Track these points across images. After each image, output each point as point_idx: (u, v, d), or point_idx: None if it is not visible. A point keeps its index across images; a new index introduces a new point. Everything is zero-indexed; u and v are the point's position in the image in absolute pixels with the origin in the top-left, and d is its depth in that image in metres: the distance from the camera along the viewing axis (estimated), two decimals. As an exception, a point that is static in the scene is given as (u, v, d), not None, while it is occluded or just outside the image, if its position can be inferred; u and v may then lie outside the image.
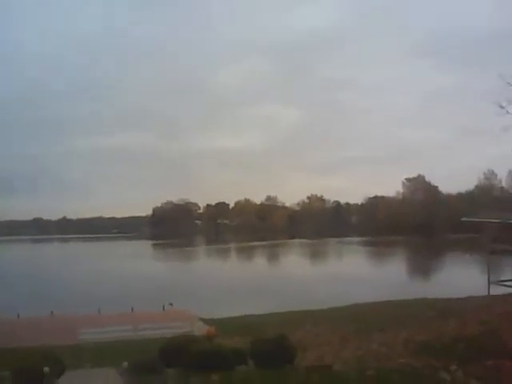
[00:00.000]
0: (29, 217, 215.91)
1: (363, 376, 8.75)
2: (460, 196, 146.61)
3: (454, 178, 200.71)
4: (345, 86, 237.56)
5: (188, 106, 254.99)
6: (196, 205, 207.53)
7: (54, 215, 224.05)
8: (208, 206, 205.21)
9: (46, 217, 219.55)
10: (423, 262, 68.80)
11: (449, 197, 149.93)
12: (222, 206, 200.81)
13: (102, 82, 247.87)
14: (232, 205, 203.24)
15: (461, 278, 41.99)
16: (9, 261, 63.41)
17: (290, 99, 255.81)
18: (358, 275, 46.13)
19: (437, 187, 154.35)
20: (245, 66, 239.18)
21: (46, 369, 9.92)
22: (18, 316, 25.70)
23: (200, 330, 20.05)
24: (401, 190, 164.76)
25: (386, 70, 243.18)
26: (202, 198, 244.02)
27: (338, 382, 8.34)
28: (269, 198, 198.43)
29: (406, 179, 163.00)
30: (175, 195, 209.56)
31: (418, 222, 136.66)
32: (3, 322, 25.04)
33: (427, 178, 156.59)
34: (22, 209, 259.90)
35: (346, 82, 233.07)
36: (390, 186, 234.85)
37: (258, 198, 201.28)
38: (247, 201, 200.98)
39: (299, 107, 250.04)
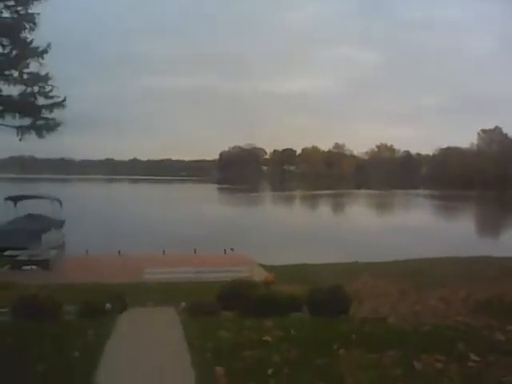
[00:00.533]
0: (101, 157, 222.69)
1: (418, 331, 8.68)
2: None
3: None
4: (425, 28, 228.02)
5: (259, 44, 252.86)
6: (263, 150, 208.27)
7: (125, 156, 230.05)
8: (275, 151, 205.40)
9: (117, 157, 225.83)
10: (493, 218, 66.71)
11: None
12: (288, 153, 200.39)
13: (172, 21, 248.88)
14: (299, 151, 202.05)
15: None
16: (80, 199, 65.98)
17: (367, 41, 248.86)
18: (423, 229, 45.39)
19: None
20: (321, 4, 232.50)
21: (108, 305, 10.50)
22: (87, 252, 26.90)
23: (259, 275, 20.45)
24: (475, 141, 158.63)
25: (468, 12, 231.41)
26: (269, 143, 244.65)
27: (392, 334, 8.31)
28: (337, 146, 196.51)
29: (481, 130, 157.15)
30: (243, 139, 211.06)
31: (492, 175, 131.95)
32: (72, 258, 26.40)
33: (504, 130, 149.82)
34: (95, 148, 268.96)
35: (426, 24, 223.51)
36: (465, 137, 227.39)
37: (326, 146, 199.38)
38: (314, 148, 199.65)
39: (376, 50, 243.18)
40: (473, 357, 6.85)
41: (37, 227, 28.01)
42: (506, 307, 12.00)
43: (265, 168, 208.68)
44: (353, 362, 6.76)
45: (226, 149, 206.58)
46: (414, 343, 7.51)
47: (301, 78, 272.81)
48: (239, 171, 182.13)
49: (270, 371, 6.16)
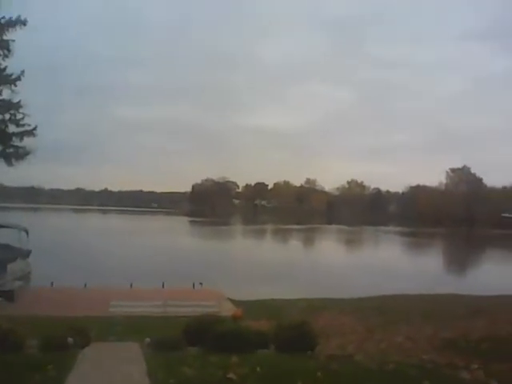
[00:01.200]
0: (72, 186, 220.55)
1: (383, 369, 8.70)
2: (504, 190, 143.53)
3: (501, 170, 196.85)
4: (396, 66, 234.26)
5: (233, 79, 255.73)
6: (235, 184, 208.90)
7: (96, 186, 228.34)
8: (247, 185, 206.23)
9: (87, 187, 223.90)
10: (460, 256, 67.71)
11: (492, 190, 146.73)
12: (260, 187, 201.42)
13: (149, 53, 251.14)
14: (271, 186, 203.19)
15: (496, 275, 41.24)
16: (49, 229, 64.97)
17: (340, 78, 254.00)
18: (391, 266, 45.72)
19: (481, 179, 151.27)
20: (294, 42, 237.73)
21: (70, 339, 10.27)
22: (52, 285, 26.38)
23: (227, 310, 20.28)
24: (444, 180, 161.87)
25: (439, 52, 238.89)
26: (242, 177, 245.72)
27: (358, 372, 8.31)
28: (308, 181, 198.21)
29: (450, 169, 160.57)
30: (215, 173, 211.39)
31: (459, 214, 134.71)
32: (37, 290, 25.81)
33: (473, 170, 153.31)
34: (66, 178, 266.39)
35: (397, 62, 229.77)
36: (433, 176, 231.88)
37: (298, 181, 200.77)
38: (286, 183, 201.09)
39: (348, 87, 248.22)
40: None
41: (2, 257, 27.39)
42: (472, 345, 12.12)
43: (236, 202, 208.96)
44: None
45: (199, 181, 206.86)
46: (379, 381, 7.51)
47: (274, 113, 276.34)
48: (211, 204, 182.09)
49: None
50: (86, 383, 7.58)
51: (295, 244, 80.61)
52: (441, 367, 9.19)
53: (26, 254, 31.41)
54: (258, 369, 8.10)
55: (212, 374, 7.79)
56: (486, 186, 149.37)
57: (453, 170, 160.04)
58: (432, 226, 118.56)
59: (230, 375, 7.65)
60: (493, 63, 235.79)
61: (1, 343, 9.20)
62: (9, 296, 22.21)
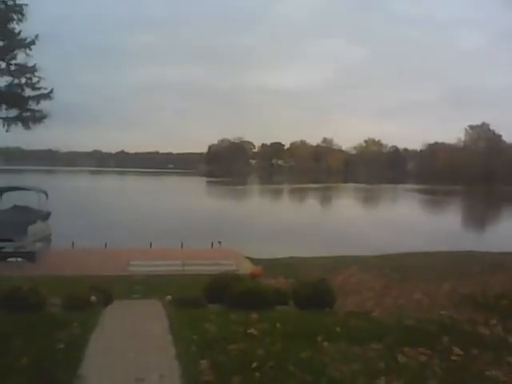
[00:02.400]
0: (88, 148, 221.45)
1: (401, 324, 8.75)
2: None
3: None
4: (414, 23, 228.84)
5: (247, 38, 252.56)
6: (251, 144, 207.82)
7: (112, 148, 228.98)
8: (263, 145, 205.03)
9: (104, 149, 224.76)
10: (478, 213, 67.30)
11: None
12: (276, 147, 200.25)
13: (164, 15, 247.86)
14: (287, 145, 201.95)
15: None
16: (67, 191, 65.52)
17: (357, 36, 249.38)
18: (409, 223, 45.72)
19: (500, 136, 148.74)
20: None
21: (93, 297, 10.47)
22: (73, 245, 26.76)
23: (246, 268, 20.50)
24: (463, 137, 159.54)
25: (454, 9, 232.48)
26: (258, 136, 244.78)
27: (376, 328, 8.38)
28: (325, 140, 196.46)
29: (469, 126, 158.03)
30: (231, 133, 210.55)
31: (478, 171, 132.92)
32: (58, 251, 26.24)
33: (492, 127, 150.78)
34: (82, 140, 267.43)
35: (415, 18, 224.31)
36: (452, 133, 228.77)
37: (314, 140, 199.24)
38: (303, 142, 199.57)
39: (365, 44, 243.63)
40: (456, 351, 6.92)
41: (22, 219, 27.72)
42: (490, 302, 12.13)
43: (253, 161, 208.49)
44: (337, 354, 6.81)
45: (215, 142, 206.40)
46: (398, 337, 7.57)
47: (289, 72, 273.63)
48: (227, 164, 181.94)
49: (254, 364, 6.18)
50: (111, 340, 7.73)
51: (313, 203, 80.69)
52: (459, 323, 9.21)
53: (45, 216, 31.74)
54: (278, 325, 8.20)
55: (233, 330, 7.90)
56: (505, 142, 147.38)
57: (471, 127, 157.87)
58: (450, 183, 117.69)
59: (251, 331, 7.76)
60: (509, 19, 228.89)
61: (22, 302, 9.37)
62: (30, 257, 22.63)
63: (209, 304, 11.18)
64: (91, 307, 10.20)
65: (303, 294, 10.87)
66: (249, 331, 7.76)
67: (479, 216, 63.52)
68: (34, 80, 27.42)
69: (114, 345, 7.45)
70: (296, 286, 11.47)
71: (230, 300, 10.75)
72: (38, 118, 27.88)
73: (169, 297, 11.52)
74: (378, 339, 7.40)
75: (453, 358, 6.72)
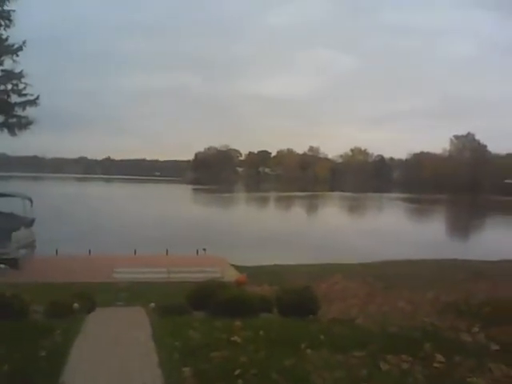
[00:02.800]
0: (74, 155, 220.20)
1: (385, 332, 8.80)
2: (509, 157, 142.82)
3: (505, 137, 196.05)
4: (402, 32, 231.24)
5: (237, 45, 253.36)
6: (238, 152, 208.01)
7: (99, 155, 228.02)
8: (250, 153, 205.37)
9: (90, 156, 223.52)
10: (463, 222, 67.89)
11: (496, 157, 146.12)
12: (263, 155, 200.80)
13: (152, 21, 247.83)
14: (274, 153, 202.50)
15: (499, 241, 41.40)
16: (53, 198, 65.06)
17: (344, 44, 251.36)
18: (394, 232, 45.98)
19: (485, 146, 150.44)
20: (301, 7, 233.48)
21: (76, 305, 10.41)
22: (57, 252, 26.58)
23: (231, 276, 20.48)
24: (448, 147, 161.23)
25: (442, 18, 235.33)
26: (245, 144, 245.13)
27: (359, 335, 8.42)
28: (311, 149, 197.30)
29: (454, 136, 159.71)
30: (218, 141, 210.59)
31: (463, 181, 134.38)
32: (42, 258, 26.03)
33: (477, 137, 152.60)
34: (68, 147, 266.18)
35: (403, 28, 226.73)
36: (437, 143, 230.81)
37: (301, 148, 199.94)
38: (289, 150, 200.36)
39: (353, 53, 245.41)
40: (439, 357, 6.97)
41: (6, 225, 27.47)
42: (472, 309, 12.23)
43: (240, 169, 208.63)
44: (320, 361, 6.83)
45: (202, 150, 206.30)
46: (381, 344, 7.61)
47: (277, 81, 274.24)
48: (214, 172, 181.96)
49: (237, 371, 6.18)
50: (93, 347, 7.70)
51: (299, 211, 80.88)
52: (442, 330, 9.28)
53: (30, 223, 31.47)
54: (262, 332, 8.20)
55: (217, 338, 7.90)
56: (490, 152, 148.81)
57: (457, 137, 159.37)
58: (435, 192, 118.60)
59: (235, 338, 7.76)
60: (497, 29, 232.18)
61: (5, 309, 9.29)
62: (13, 264, 22.41)
63: (193, 311, 11.16)
64: (74, 314, 10.14)
65: (287, 302, 10.89)
66: (232, 339, 7.76)
67: (463, 225, 64.06)
68: (21, 86, 27.35)
69: (96, 352, 7.42)
70: (280, 293, 11.49)
71: (214, 307, 10.74)
72: (24, 124, 27.79)
73: (152, 304, 11.48)
74: (361, 347, 7.43)
75: (435, 364, 6.76)
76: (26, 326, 8.76)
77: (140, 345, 7.81)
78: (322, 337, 7.98)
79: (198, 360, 6.70)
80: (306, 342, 7.52)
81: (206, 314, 10.85)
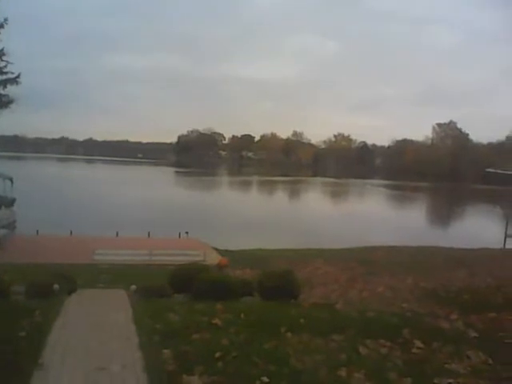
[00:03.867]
0: (56, 135, 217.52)
1: (364, 316, 8.87)
2: (490, 146, 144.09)
3: (487, 126, 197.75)
4: (388, 19, 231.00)
5: (222, 28, 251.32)
6: (221, 135, 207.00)
7: (81, 135, 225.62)
8: (233, 137, 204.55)
9: (72, 137, 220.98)
10: (443, 209, 68.59)
11: (478, 146, 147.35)
12: (247, 139, 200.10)
13: (138, 1, 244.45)
14: (257, 138, 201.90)
15: (479, 229, 41.94)
16: (33, 178, 64.33)
17: (329, 30, 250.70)
18: (376, 217, 46.30)
19: (467, 135, 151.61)
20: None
21: (56, 286, 10.33)
22: (38, 232, 26.37)
23: (213, 259, 20.49)
24: (430, 134, 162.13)
25: (428, 5, 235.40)
26: (229, 128, 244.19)
27: (339, 319, 8.48)
28: (295, 134, 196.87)
29: (436, 124, 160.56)
30: (201, 124, 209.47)
31: (444, 169, 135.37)
32: (22, 238, 25.81)
33: (459, 125, 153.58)
34: (49, 127, 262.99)
35: (389, 14, 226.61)
36: (420, 130, 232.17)
37: (285, 133, 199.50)
38: (273, 135, 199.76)
39: (337, 38, 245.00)
40: (417, 343, 7.05)
41: (-14, 205, 27.23)
42: (452, 296, 12.38)
43: (223, 153, 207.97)
44: (300, 345, 6.87)
45: (185, 132, 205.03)
46: (360, 329, 7.67)
47: (262, 64, 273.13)
48: (197, 155, 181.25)
49: (217, 354, 6.20)
50: (73, 328, 7.66)
51: (281, 195, 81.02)
52: (421, 316, 9.38)
53: (10, 203, 31.21)
54: (242, 315, 8.23)
55: (197, 320, 7.91)
56: (471, 141, 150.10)
57: (439, 125, 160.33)
58: (417, 179, 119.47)
59: (215, 321, 7.78)
60: (482, 17, 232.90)
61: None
62: None
63: (174, 294, 11.16)
64: (54, 295, 10.08)
65: (269, 286, 10.91)
66: (213, 321, 7.78)
67: (444, 212, 64.73)
68: (2, 64, 26.85)
69: (76, 333, 7.38)
70: (262, 277, 11.51)
71: (195, 290, 10.74)
72: (5, 102, 27.32)
73: (133, 286, 11.43)
74: (341, 331, 7.49)
75: (414, 350, 6.84)
76: (5, 306, 8.70)
77: (120, 326, 7.79)
78: (302, 321, 8.03)
79: (179, 342, 6.71)
80: (286, 326, 7.56)
81: (186, 296, 10.86)
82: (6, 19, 26.31)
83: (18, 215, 30.35)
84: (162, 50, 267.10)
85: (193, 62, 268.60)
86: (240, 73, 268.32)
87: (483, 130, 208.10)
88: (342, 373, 5.78)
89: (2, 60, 26.76)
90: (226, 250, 23.77)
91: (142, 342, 6.85)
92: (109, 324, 7.97)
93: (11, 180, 33.06)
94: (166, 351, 6.31)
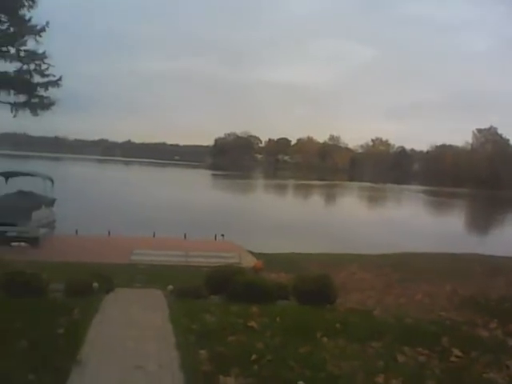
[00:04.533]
0: (95, 137, 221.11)
1: (401, 323, 8.76)
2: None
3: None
4: (425, 25, 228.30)
5: (260, 32, 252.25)
6: (258, 138, 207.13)
7: (120, 137, 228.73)
8: (270, 140, 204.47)
9: (111, 139, 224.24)
10: (483, 216, 67.12)
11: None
12: (283, 142, 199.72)
13: (174, 5, 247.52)
14: (294, 141, 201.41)
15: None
16: (72, 178, 65.56)
17: (368, 35, 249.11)
18: (414, 223, 45.66)
19: (508, 140, 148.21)
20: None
21: (95, 284, 10.50)
22: (77, 232, 26.84)
23: (248, 262, 20.51)
24: (470, 140, 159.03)
25: (465, 10, 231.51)
26: (265, 131, 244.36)
27: (376, 326, 8.38)
28: (332, 138, 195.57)
29: (476, 129, 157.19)
30: (238, 127, 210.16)
31: (484, 175, 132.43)
32: (62, 237, 26.31)
33: (499, 130, 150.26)
34: (89, 129, 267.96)
35: (425, 20, 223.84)
36: (459, 136, 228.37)
37: (321, 137, 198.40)
38: (309, 139, 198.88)
39: (376, 44, 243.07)
40: (456, 352, 6.92)
41: (27, 204, 27.78)
42: (491, 305, 12.11)
43: (259, 156, 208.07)
44: (336, 350, 6.82)
45: (222, 135, 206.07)
46: (398, 336, 7.57)
47: (300, 69, 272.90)
48: (233, 158, 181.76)
49: (253, 357, 6.20)
50: (111, 327, 7.76)
51: (317, 199, 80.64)
52: (459, 324, 9.22)
53: (50, 202, 31.84)
54: (278, 319, 8.22)
55: (233, 322, 7.93)
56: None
57: (479, 131, 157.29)
58: (456, 185, 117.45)
59: (251, 323, 7.78)
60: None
61: (25, 287, 9.40)
62: (33, 242, 22.68)
63: (210, 295, 11.20)
64: (93, 294, 10.24)
65: (304, 289, 10.86)
66: (249, 324, 7.78)
67: (483, 219, 63.35)
68: (43, 67, 27.37)
69: (113, 332, 7.48)
70: (297, 281, 11.47)
71: (231, 292, 10.76)
72: (46, 104, 27.85)
73: (170, 286, 11.53)
74: (378, 337, 7.41)
75: (452, 359, 6.72)
76: (44, 303, 8.87)
77: (157, 326, 7.86)
78: (338, 326, 7.98)
79: (215, 343, 6.74)
80: (322, 331, 7.53)
81: (222, 298, 10.89)
82: (47, 23, 26.91)
83: (58, 215, 30.95)
84: (200, 54, 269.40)
85: (230, 67, 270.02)
86: (276, 77, 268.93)
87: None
88: (380, 379, 5.73)
89: (44, 63, 27.34)
90: (261, 253, 23.73)
91: (178, 342, 6.90)
92: (146, 323, 8.05)
93: (51, 180, 33.76)
94: (202, 352, 6.35)
